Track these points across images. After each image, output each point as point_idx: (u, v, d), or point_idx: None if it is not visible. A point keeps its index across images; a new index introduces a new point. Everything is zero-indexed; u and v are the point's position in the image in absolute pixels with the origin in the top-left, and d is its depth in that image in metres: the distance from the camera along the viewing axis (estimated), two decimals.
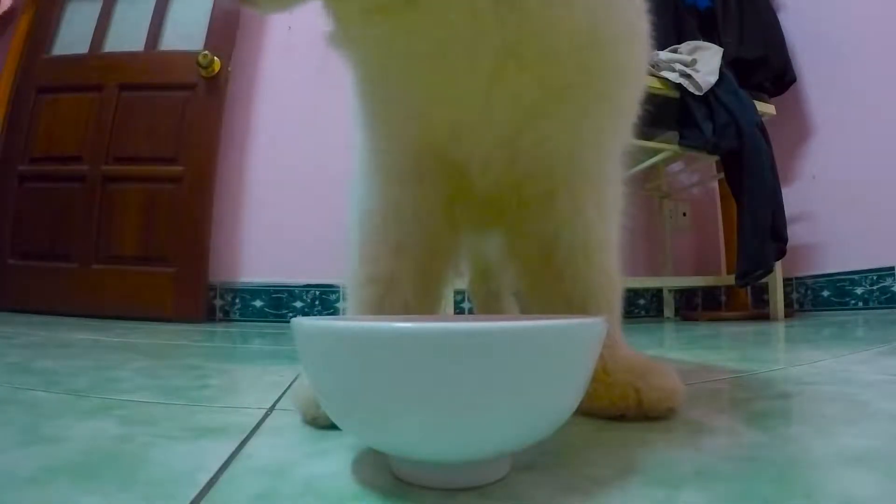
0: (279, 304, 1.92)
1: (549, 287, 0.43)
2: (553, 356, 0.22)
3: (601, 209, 0.43)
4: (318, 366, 0.25)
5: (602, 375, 0.38)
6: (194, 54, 1.88)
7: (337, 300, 1.89)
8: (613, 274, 0.44)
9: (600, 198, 0.43)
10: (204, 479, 0.26)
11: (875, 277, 1.70)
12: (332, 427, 0.34)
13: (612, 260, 0.44)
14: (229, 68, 1.93)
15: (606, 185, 0.44)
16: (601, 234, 0.43)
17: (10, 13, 2.02)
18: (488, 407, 0.22)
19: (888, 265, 1.66)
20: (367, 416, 0.23)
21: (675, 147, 1.71)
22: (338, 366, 0.23)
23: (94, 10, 2.05)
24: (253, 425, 0.37)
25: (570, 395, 0.24)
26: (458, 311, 1.75)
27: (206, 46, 1.91)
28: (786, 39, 1.89)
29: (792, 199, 1.77)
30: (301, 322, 0.24)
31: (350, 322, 0.23)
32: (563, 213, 0.41)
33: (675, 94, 1.63)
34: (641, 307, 2.25)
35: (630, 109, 0.42)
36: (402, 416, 0.22)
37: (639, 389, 0.37)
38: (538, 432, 0.24)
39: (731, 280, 1.70)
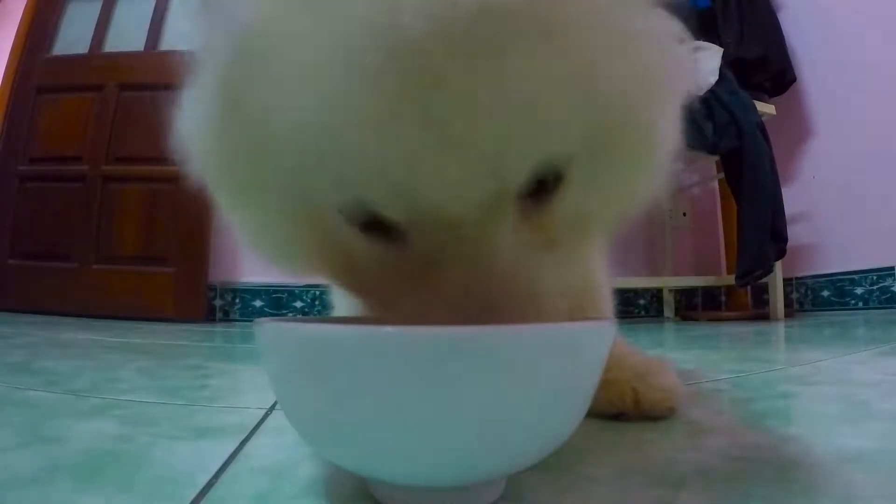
0: (279, 304, 1.92)
1: None
2: (555, 364, 0.19)
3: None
4: (281, 375, 0.21)
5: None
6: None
7: None
8: (597, 278, 0.43)
9: None
10: (204, 479, 0.26)
11: (875, 277, 1.70)
12: None
13: (595, 265, 0.43)
14: None
15: None
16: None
17: None
18: (482, 423, 0.18)
19: (888, 265, 1.66)
20: (339, 434, 0.20)
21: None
22: (307, 377, 0.20)
23: (94, 10, 2.05)
24: (253, 425, 0.37)
25: (575, 408, 0.21)
26: None
27: None
28: (786, 39, 1.88)
29: (792, 199, 1.77)
30: (263, 325, 0.21)
31: (319, 325, 0.20)
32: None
33: None
34: (641, 307, 2.25)
35: None
36: (380, 435, 0.19)
37: (637, 389, 0.37)
38: (537, 451, 0.21)
39: (731, 280, 1.70)
